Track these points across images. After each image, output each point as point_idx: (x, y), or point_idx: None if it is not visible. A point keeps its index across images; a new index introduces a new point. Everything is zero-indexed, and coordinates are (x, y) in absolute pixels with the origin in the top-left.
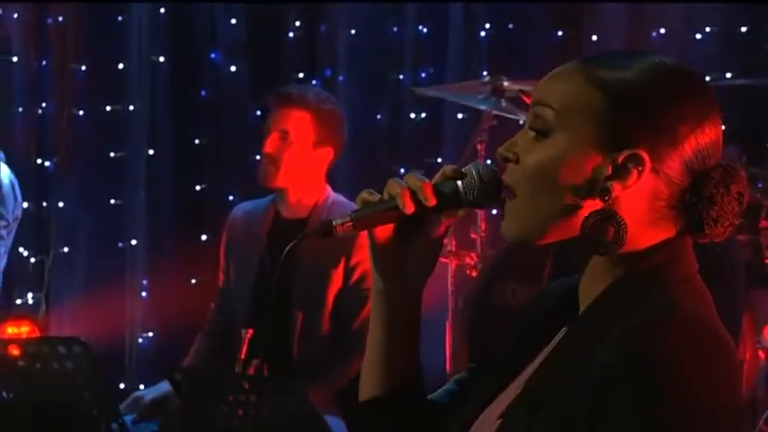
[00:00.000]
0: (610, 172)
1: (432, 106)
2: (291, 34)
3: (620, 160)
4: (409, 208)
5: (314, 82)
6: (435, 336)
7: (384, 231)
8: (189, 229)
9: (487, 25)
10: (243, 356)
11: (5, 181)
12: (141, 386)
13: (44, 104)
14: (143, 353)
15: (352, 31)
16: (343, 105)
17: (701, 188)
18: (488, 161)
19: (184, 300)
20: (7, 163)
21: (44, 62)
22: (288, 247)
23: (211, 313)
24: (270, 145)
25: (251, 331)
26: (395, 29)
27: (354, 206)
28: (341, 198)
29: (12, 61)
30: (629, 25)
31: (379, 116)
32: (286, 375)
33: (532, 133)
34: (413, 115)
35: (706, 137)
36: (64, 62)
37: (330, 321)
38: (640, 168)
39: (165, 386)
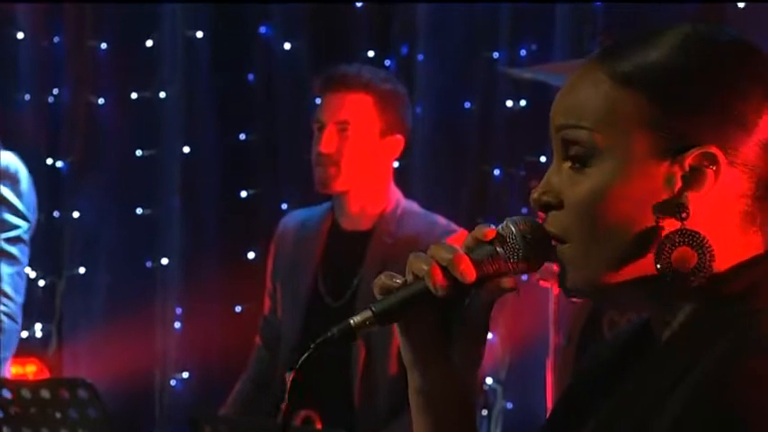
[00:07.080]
0: (680, 182)
1: (533, 91)
2: (359, 3)
3: (687, 165)
4: (442, 289)
5: (387, 62)
6: (534, 376)
7: (415, 322)
8: (233, 245)
9: None
10: (285, 406)
11: (23, 175)
12: None
13: (56, 91)
14: (176, 397)
15: None
16: (424, 90)
17: None
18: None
19: (227, 332)
20: None
21: (56, 38)
22: (302, 358)
23: (255, 349)
24: (327, 143)
25: (294, 372)
26: None
27: (433, 217)
28: (414, 206)
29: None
30: None
31: (467, 104)
32: (343, 428)
33: (568, 164)
34: (510, 103)
35: None
36: (80, 38)
37: (399, 362)
38: (715, 168)
39: None
